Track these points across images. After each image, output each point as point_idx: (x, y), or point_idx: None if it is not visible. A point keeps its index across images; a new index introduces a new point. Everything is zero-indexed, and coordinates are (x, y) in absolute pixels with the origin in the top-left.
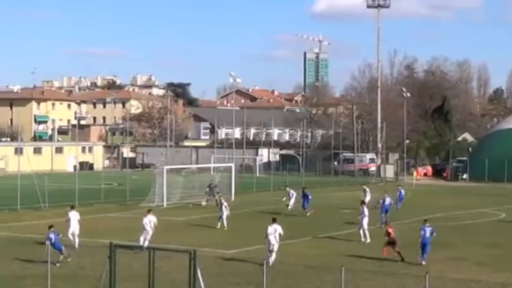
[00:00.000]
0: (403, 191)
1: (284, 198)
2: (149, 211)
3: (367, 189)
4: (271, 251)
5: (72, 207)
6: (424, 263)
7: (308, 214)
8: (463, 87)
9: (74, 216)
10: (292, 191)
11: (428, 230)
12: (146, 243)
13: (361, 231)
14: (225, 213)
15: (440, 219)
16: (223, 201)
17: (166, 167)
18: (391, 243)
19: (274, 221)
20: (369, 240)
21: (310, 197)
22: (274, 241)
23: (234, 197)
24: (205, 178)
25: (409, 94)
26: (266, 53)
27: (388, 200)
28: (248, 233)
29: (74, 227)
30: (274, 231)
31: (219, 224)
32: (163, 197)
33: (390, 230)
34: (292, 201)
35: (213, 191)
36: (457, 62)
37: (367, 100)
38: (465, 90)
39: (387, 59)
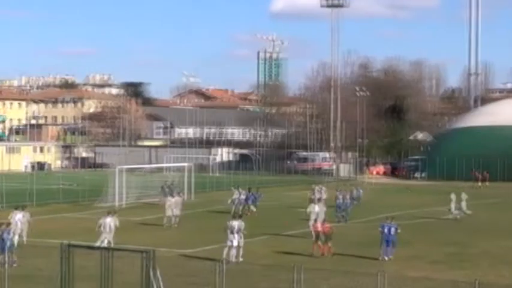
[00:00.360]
0: (361, 190)
1: (229, 201)
2: (109, 213)
3: (323, 188)
4: (235, 247)
5: (17, 208)
6: (387, 258)
7: (249, 214)
8: (417, 86)
9: (21, 217)
10: (237, 191)
11: (392, 228)
12: (103, 244)
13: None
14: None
15: (395, 217)
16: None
17: (120, 167)
18: (320, 238)
19: (238, 217)
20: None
21: (260, 197)
22: (238, 237)
23: (189, 196)
24: (161, 178)
25: (363, 93)
26: (224, 53)
27: (341, 198)
28: (205, 232)
29: (20, 228)
30: (238, 227)
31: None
32: (119, 197)
33: (319, 228)
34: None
35: (171, 190)
36: (411, 61)
37: (322, 99)
38: (419, 90)
39: (342, 59)
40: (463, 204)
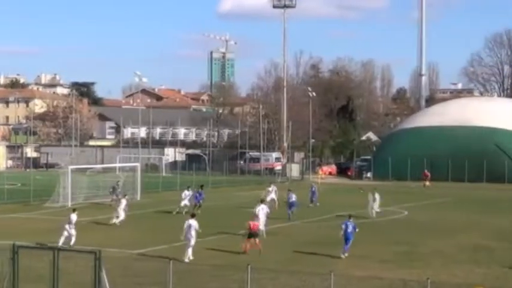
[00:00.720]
0: (315, 188)
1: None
2: (74, 210)
3: (274, 188)
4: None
5: None
6: (344, 255)
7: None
8: (367, 87)
9: None
10: (187, 192)
11: (351, 225)
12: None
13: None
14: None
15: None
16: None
17: (71, 167)
18: (252, 235)
19: (192, 216)
20: (265, 236)
21: (201, 196)
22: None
23: (140, 196)
24: (111, 178)
25: (314, 94)
26: (173, 53)
27: (293, 197)
28: (154, 232)
29: None
30: (190, 226)
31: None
32: (68, 197)
33: (254, 223)
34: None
35: (116, 192)
36: (361, 62)
37: (273, 99)
38: (369, 90)
39: (293, 59)
40: (376, 204)
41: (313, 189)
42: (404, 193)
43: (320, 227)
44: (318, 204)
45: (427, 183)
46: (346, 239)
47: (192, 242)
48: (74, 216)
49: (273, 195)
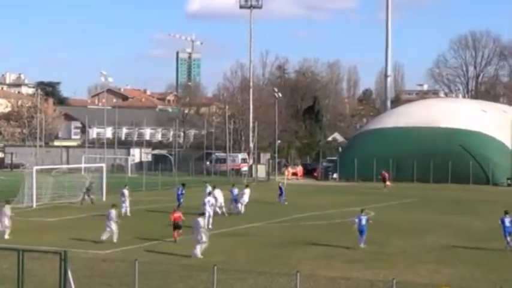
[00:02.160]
0: (283, 187)
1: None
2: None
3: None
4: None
5: None
6: (363, 246)
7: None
8: (334, 88)
9: None
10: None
11: (364, 218)
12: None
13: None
14: None
15: (312, 217)
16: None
17: (36, 167)
18: (176, 227)
19: (201, 215)
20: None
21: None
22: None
23: (106, 197)
24: (77, 178)
25: (280, 94)
26: (140, 52)
27: (235, 192)
28: (122, 233)
29: None
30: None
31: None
32: (33, 198)
33: (176, 215)
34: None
35: (89, 192)
36: (328, 63)
37: (240, 100)
38: (335, 91)
39: (259, 60)
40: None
41: (281, 187)
42: (370, 194)
43: (287, 227)
44: (286, 204)
45: (388, 183)
46: (361, 232)
47: (204, 238)
48: (113, 212)
49: (245, 198)
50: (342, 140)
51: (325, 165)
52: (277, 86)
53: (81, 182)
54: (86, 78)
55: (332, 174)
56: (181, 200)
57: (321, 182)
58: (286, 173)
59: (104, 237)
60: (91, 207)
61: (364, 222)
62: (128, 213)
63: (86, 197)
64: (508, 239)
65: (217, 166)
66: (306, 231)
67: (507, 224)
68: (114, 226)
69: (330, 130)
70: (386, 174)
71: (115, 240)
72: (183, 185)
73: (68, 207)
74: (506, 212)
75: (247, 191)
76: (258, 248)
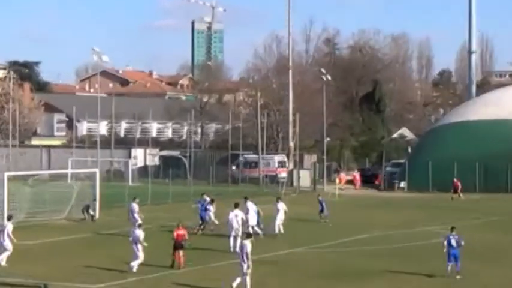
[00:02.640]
0: (324, 202)
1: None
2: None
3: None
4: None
5: None
6: (458, 276)
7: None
8: (400, 68)
9: None
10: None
11: (454, 239)
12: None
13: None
14: None
15: (369, 241)
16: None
17: (7, 174)
18: (178, 247)
19: (248, 237)
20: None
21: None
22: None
23: (99, 213)
24: (61, 188)
25: (329, 77)
26: (144, 24)
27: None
28: (114, 261)
29: None
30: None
31: None
32: (3, 214)
33: (180, 232)
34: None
35: (90, 209)
36: (391, 35)
37: (275, 85)
38: (402, 72)
39: (301, 32)
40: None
41: (322, 201)
42: (449, 208)
43: (337, 253)
44: (329, 223)
45: (458, 194)
46: (452, 256)
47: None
48: (140, 233)
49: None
50: (412, 137)
51: (389, 171)
52: (325, 66)
53: (67, 193)
54: (72, 57)
55: (399, 183)
56: (207, 218)
57: (384, 192)
58: (337, 180)
59: (135, 264)
60: (79, 226)
61: (454, 243)
62: None
63: (86, 214)
64: None
65: (246, 172)
66: (362, 258)
67: None
68: (141, 252)
69: (396, 124)
70: (459, 183)
71: (135, 270)
72: (212, 201)
73: (50, 226)
74: None
75: (281, 206)
76: (296, 280)
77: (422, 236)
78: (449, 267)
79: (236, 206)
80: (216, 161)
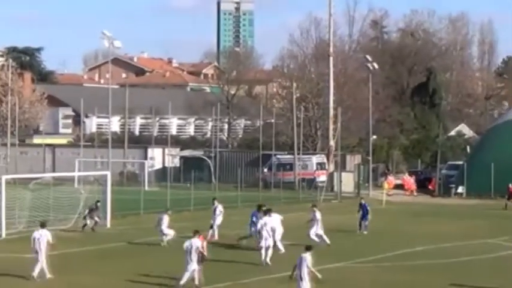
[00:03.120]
0: (367, 206)
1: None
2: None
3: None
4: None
5: None
6: None
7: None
8: (458, 55)
9: None
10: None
11: None
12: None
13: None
14: None
15: (422, 254)
16: None
17: (5, 177)
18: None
19: (308, 249)
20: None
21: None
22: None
23: (111, 222)
24: (66, 193)
25: (376, 65)
26: (161, 4)
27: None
28: (129, 277)
29: None
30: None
31: None
32: (1, 223)
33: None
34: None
35: (93, 214)
36: (448, 17)
37: (314, 75)
38: (461, 60)
39: (344, 13)
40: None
41: (365, 205)
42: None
43: (384, 269)
44: (363, 231)
45: (510, 200)
46: None
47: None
48: (198, 243)
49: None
50: (472, 135)
51: (444, 174)
52: (372, 52)
53: (73, 199)
54: (80, 43)
55: (456, 188)
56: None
57: (439, 199)
58: (385, 185)
59: (195, 280)
60: (89, 236)
61: None
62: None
63: (88, 220)
64: None
65: (279, 175)
66: (413, 274)
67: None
68: (195, 264)
69: (453, 120)
70: None
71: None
72: (260, 207)
73: (56, 237)
74: None
75: (318, 214)
76: None
77: (484, 249)
78: None
79: (265, 213)
80: (245, 162)
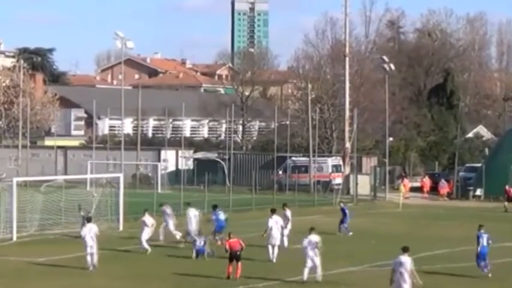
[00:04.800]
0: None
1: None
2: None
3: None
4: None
5: None
6: (490, 274)
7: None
8: (476, 55)
9: None
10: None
11: (485, 237)
12: None
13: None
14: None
15: (439, 258)
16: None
17: (16, 179)
18: (233, 257)
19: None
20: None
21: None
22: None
23: (123, 224)
24: (79, 196)
25: (393, 66)
26: (175, 4)
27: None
28: (144, 281)
29: None
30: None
31: None
32: (12, 226)
33: (233, 241)
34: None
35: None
36: (466, 17)
37: (330, 75)
38: (479, 61)
39: (360, 13)
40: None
41: (344, 208)
42: None
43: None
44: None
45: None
46: (483, 255)
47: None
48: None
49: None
50: (490, 137)
51: (462, 176)
52: (388, 53)
53: (87, 200)
54: (92, 44)
55: (474, 190)
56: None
57: (456, 201)
58: (402, 187)
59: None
60: (102, 239)
61: (485, 242)
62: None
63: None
64: None
65: (294, 177)
66: (433, 278)
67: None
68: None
69: (471, 121)
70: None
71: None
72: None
73: (65, 241)
74: None
75: (289, 214)
76: None
77: (504, 253)
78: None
79: (273, 211)
80: (259, 164)
